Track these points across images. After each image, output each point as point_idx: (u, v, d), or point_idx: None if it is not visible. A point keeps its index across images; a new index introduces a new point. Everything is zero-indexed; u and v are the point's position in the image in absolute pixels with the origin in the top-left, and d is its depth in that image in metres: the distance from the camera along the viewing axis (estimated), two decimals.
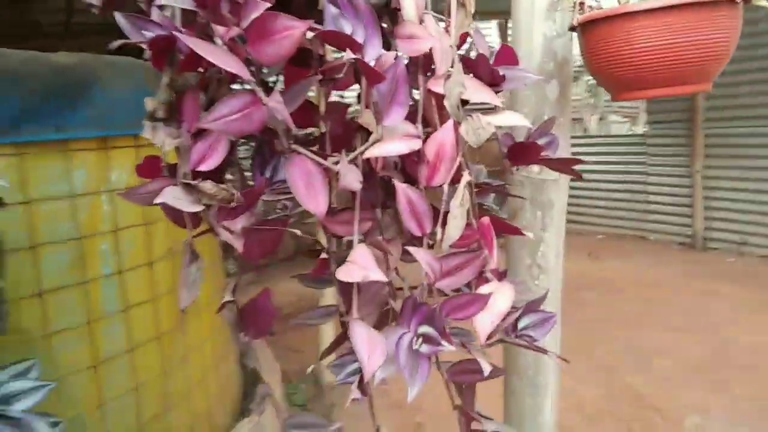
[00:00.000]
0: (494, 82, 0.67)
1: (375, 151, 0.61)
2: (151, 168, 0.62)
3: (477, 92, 0.64)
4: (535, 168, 1.06)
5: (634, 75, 0.88)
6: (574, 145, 7.10)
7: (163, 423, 2.19)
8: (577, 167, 0.80)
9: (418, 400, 2.49)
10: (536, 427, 1.16)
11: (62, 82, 1.77)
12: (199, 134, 0.60)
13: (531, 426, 1.16)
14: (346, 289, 0.71)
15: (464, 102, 0.68)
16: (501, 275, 0.67)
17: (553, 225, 1.08)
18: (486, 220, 0.66)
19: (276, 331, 0.76)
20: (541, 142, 0.78)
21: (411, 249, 0.61)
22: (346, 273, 0.62)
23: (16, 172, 1.69)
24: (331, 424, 0.76)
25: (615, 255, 5.86)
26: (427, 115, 0.69)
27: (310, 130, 0.78)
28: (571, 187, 5.17)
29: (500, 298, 0.62)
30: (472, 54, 0.74)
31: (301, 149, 0.63)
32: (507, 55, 0.70)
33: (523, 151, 0.74)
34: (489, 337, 0.62)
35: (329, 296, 3.42)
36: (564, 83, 1.03)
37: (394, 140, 0.62)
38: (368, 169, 0.71)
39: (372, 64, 0.62)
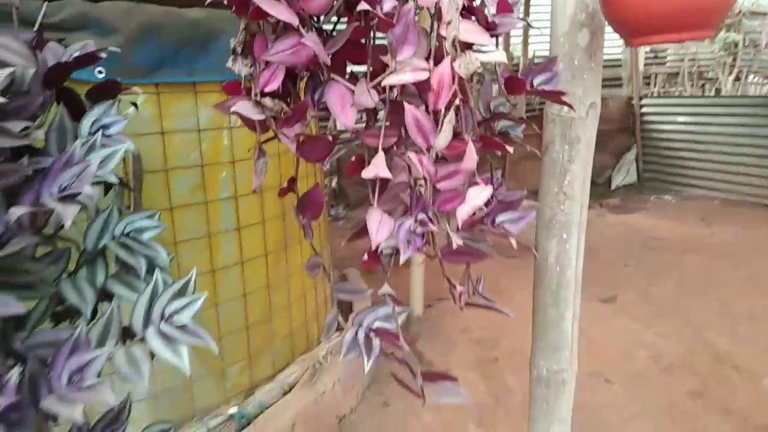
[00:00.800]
0: (489, 27, 0.85)
1: (387, 80, 0.82)
2: (234, 88, 0.88)
3: (473, 35, 0.83)
4: (565, 107, 1.21)
5: (642, 22, 1.01)
6: (698, 105, 6.69)
7: (266, 328, 2.59)
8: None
9: (496, 338, 2.71)
10: (558, 334, 1.34)
11: (194, 33, 2.12)
12: (266, 65, 0.85)
13: (554, 333, 1.35)
14: (373, 186, 0.94)
15: (469, 45, 0.87)
16: (488, 181, 0.87)
17: (580, 157, 1.23)
18: (471, 136, 0.85)
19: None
20: (542, 77, 0.95)
21: (410, 154, 0.83)
22: (366, 171, 0.86)
23: (155, 108, 2.08)
24: (367, 289, 1.01)
25: (730, 221, 5.57)
26: (439, 54, 0.89)
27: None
28: (691, 150, 4.97)
29: (476, 195, 0.82)
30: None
31: (338, 78, 0.86)
32: (503, 5, 0.87)
33: (514, 84, 0.91)
34: (469, 224, 0.83)
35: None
36: (594, 32, 1.17)
37: (405, 72, 0.83)
38: (394, 95, 0.92)
39: (391, 13, 0.83)
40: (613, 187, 7.29)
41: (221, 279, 2.39)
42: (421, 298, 3.83)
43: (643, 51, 7.78)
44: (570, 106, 0.98)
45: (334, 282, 1.06)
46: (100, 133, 0.75)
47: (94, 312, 0.84)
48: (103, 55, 0.74)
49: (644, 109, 7.25)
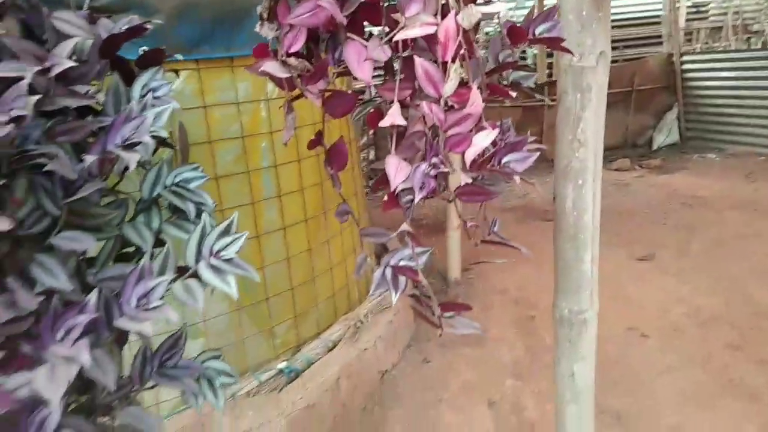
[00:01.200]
0: None
1: (398, 35, 0.91)
2: (262, 52, 0.98)
3: None
4: (575, 57, 1.27)
5: None
6: (743, 59, 6.47)
7: (310, 289, 2.74)
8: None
9: (533, 298, 2.81)
10: (578, 276, 1.42)
11: (229, 9, 2.23)
12: (290, 28, 0.95)
13: (574, 275, 1.43)
14: (391, 136, 1.03)
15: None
16: (495, 126, 0.95)
17: (591, 106, 1.29)
18: (478, 85, 0.93)
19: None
20: (544, 26, 1.02)
21: (422, 103, 0.92)
22: (383, 121, 0.95)
23: (197, 83, 2.21)
24: (391, 233, 1.11)
25: None
26: (445, 10, 0.97)
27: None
28: (735, 106, 4.90)
29: (481, 138, 0.91)
30: None
31: (354, 36, 0.95)
32: None
33: (515, 33, 0.99)
34: (475, 165, 0.92)
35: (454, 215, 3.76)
36: None
37: (414, 27, 0.92)
38: (407, 49, 1.01)
39: None
40: (654, 147, 7.15)
41: (265, 244, 2.53)
42: (458, 263, 3.92)
43: (684, 6, 7.54)
44: (570, 52, 1.05)
45: (362, 228, 1.17)
46: (150, 94, 0.86)
47: (150, 255, 0.97)
48: (149, 26, 0.85)
49: (686, 66, 7.05)
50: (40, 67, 0.71)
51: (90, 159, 0.75)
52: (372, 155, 6.71)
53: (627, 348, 2.91)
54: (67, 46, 0.74)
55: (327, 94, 1.02)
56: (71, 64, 0.72)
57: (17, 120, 0.68)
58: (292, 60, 0.92)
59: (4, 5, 0.76)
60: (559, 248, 1.45)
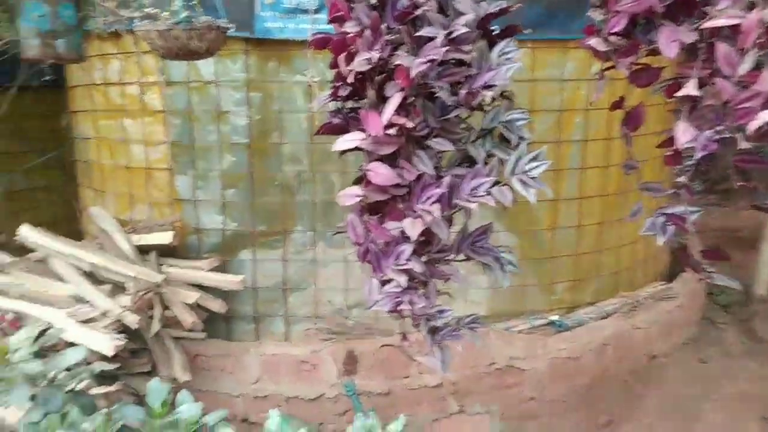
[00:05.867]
0: None
1: (707, 24, 1.12)
2: (590, 30, 1.29)
3: None
4: None
5: None
6: None
7: (595, 260, 2.96)
8: None
9: None
10: None
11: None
12: (616, 13, 1.24)
13: None
14: (684, 106, 1.25)
15: None
16: None
17: None
18: None
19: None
20: None
21: (717, 80, 1.12)
22: (681, 91, 1.19)
23: (529, 60, 2.60)
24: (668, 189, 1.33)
25: None
26: (752, 6, 1.14)
27: None
28: None
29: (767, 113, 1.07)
30: None
31: (668, 22, 1.20)
32: None
33: None
34: (757, 135, 1.09)
35: None
36: None
37: (722, 17, 1.13)
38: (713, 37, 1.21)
39: None
40: None
41: (561, 208, 2.83)
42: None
43: None
44: None
45: None
46: (504, 56, 1.26)
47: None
48: (513, 8, 1.25)
49: None
50: (446, 32, 1.17)
51: (462, 92, 1.18)
52: None
53: None
54: (463, 20, 1.18)
55: (636, 67, 1.29)
56: (464, 30, 1.16)
57: (430, 61, 1.14)
58: (612, 38, 1.21)
59: None
60: None
